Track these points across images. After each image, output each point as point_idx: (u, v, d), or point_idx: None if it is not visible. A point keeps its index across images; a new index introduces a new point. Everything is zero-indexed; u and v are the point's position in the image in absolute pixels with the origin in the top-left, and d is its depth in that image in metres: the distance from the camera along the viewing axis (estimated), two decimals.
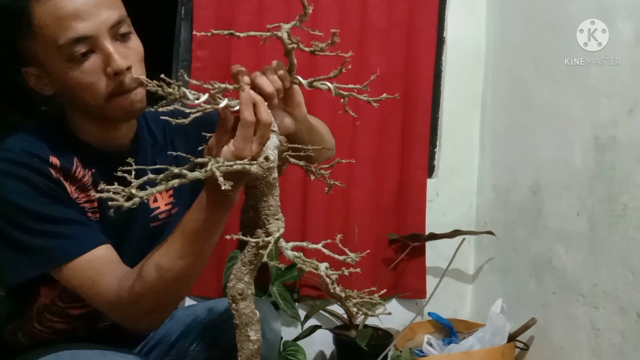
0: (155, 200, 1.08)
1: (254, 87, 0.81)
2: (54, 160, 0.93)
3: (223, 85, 0.77)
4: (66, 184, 0.94)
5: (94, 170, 0.98)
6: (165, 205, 1.09)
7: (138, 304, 0.88)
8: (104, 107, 0.92)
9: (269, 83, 0.81)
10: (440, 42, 2.19)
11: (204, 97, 0.77)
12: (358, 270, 0.70)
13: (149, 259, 0.88)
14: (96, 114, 0.94)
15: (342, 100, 0.86)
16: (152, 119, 1.12)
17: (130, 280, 0.88)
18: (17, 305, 1.05)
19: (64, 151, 0.95)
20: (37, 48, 0.89)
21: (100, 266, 0.90)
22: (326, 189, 0.87)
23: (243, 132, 0.78)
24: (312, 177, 0.86)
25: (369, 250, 0.82)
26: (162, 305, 0.91)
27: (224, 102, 0.78)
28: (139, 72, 0.93)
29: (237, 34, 0.77)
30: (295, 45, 0.77)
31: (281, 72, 0.83)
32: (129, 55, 0.91)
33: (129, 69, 0.90)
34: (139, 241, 1.05)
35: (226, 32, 0.77)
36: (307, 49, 0.79)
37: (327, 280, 0.68)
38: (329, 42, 0.77)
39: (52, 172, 0.92)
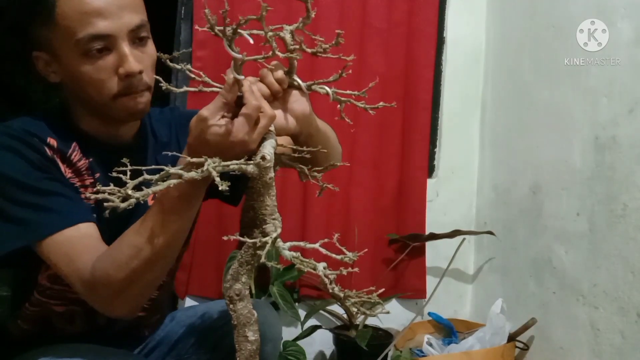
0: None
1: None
2: (52, 141, 0.94)
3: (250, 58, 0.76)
4: (62, 165, 0.94)
5: (91, 159, 0.98)
6: None
7: (110, 284, 0.84)
8: (108, 105, 0.93)
9: (265, 88, 0.81)
10: (440, 42, 2.19)
11: (240, 56, 0.75)
12: (356, 269, 0.70)
13: (123, 238, 0.85)
14: (99, 110, 0.95)
15: (338, 106, 0.86)
16: (157, 118, 1.12)
17: (105, 259, 0.85)
18: (20, 298, 1.05)
19: (64, 135, 0.96)
20: (53, 36, 0.90)
21: (79, 244, 0.89)
22: (317, 192, 0.86)
23: (246, 112, 0.76)
24: (305, 180, 0.85)
25: (366, 250, 0.82)
26: (134, 288, 0.86)
27: (242, 77, 0.77)
28: (150, 77, 0.94)
29: (240, 31, 0.77)
30: (297, 47, 0.77)
31: (280, 74, 0.82)
32: (143, 59, 0.93)
33: (140, 72, 0.92)
34: None
35: (230, 28, 0.77)
36: (309, 50, 0.78)
37: (325, 280, 0.68)
38: (333, 43, 0.77)
39: (48, 151, 0.93)
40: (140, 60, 0.92)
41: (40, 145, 0.92)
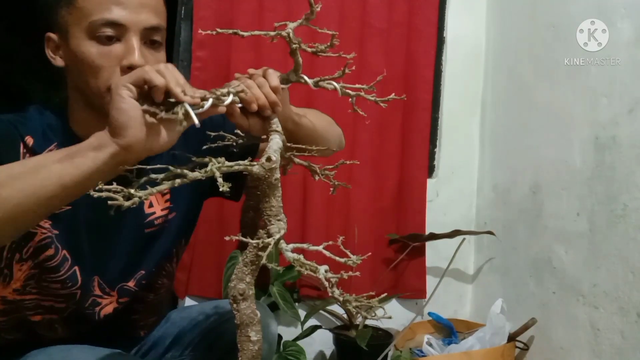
0: (151, 205, 1.06)
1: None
2: (29, 139, 0.93)
3: (225, 90, 0.77)
4: None
5: None
6: (162, 210, 1.07)
7: None
8: (101, 96, 0.91)
9: (262, 97, 0.82)
10: (440, 42, 2.19)
11: (208, 103, 0.76)
12: (357, 274, 0.70)
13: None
14: (94, 103, 0.93)
15: (350, 99, 0.87)
16: None
17: None
18: None
19: (47, 135, 0.95)
20: (69, 17, 0.90)
21: None
22: (331, 189, 0.87)
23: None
24: (317, 178, 0.85)
25: (370, 253, 0.82)
26: None
27: (229, 99, 0.78)
28: None
29: (242, 33, 0.77)
30: (297, 46, 0.77)
31: (275, 82, 0.83)
32: (150, 60, 0.91)
33: None
34: (133, 247, 1.04)
35: (230, 31, 0.77)
36: (309, 50, 0.79)
37: (326, 283, 0.68)
38: (329, 44, 0.77)
39: (22, 148, 0.92)
40: (147, 59, 0.90)
41: (16, 139, 0.92)
